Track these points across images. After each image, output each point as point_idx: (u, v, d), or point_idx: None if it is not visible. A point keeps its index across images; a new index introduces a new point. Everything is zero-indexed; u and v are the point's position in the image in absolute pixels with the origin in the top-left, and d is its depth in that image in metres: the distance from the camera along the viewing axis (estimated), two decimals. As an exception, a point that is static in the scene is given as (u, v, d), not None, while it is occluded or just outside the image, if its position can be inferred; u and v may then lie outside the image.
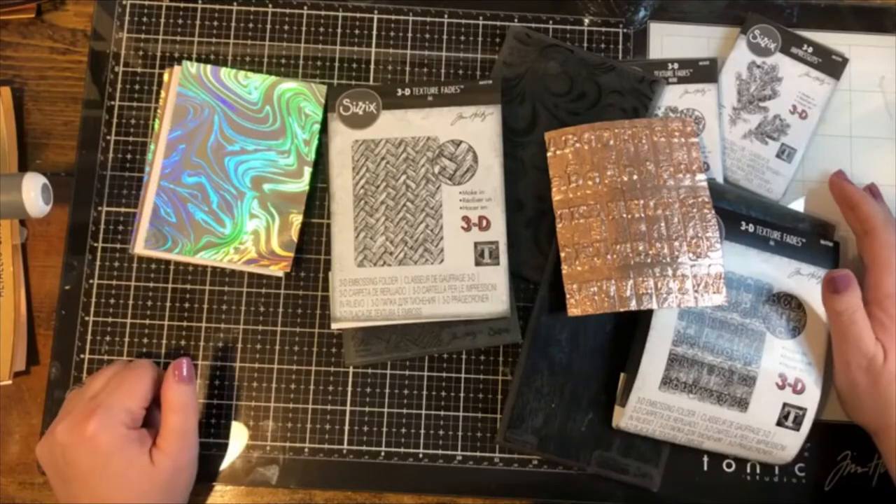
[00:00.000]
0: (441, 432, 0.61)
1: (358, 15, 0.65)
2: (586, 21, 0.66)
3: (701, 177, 0.59)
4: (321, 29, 0.65)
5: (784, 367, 0.58)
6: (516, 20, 0.65)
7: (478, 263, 0.60)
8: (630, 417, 0.57)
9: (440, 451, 0.60)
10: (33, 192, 0.55)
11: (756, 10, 0.66)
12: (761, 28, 0.64)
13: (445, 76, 0.65)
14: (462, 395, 0.61)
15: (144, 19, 0.65)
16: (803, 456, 0.60)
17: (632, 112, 0.62)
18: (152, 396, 0.56)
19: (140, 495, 0.53)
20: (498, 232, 0.60)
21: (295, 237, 0.61)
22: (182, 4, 0.65)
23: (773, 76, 0.64)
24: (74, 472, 0.52)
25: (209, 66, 0.63)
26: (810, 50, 0.64)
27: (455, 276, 0.60)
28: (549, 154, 0.60)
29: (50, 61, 0.65)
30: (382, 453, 0.60)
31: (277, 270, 0.61)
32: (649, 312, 0.58)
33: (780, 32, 0.65)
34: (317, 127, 0.63)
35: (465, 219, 0.60)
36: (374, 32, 0.65)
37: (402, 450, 0.60)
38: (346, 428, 0.61)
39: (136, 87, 0.64)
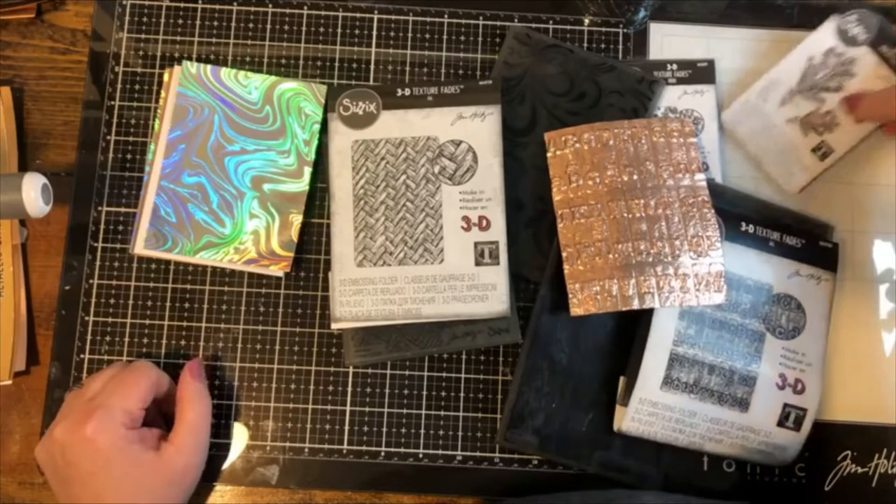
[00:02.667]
0: (441, 432, 0.61)
1: (358, 15, 0.65)
2: (586, 21, 0.66)
3: (700, 176, 0.59)
4: (321, 29, 0.65)
5: (784, 367, 0.58)
6: (516, 20, 0.66)
7: (478, 263, 0.60)
8: (632, 419, 0.57)
9: (440, 451, 0.60)
10: (33, 192, 0.55)
11: (755, 9, 0.66)
12: (861, 14, 0.59)
13: (445, 76, 0.65)
14: (462, 395, 0.61)
15: (144, 19, 0.65)
16: (803, 456, 0.60)
17: (631, 112, 0.62)
18: (151, 398, 0.56)
19: (146, 493, 0.52)
20: (498, 232, 0.60)
21: (295, 237, 0.61)
22: (182, 4, 0.65)
23: (847, 70, 0.59)
24: (74, 473, 0.52)
25: (209, 66, 0.63)
26: None
27: (455, 276, 0.60)
28: (549, 154, 0.60)
29: (50, 61, 0.65)
30: (382, 453, 0.60)
31: (277, 270, 0.61)
32: (650, 313, 0.58)
33: (881, 26, 0.60)
34: (317, 127, 0.63)
35: (465, 219, 0.60)
36: (374, 32, 0.65)
37: (402, 450, 0.60)
38: (346, 428, 0.60)
39: (136, 87, 0.64)
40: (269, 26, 0.65)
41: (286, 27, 0.65)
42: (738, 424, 0.57)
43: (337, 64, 0.65)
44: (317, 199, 0.63)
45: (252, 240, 0.61)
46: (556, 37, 0.65)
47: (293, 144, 0.62)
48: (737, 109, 0.62)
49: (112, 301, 0.61)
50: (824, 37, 0.61)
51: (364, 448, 0.60)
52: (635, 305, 0.57)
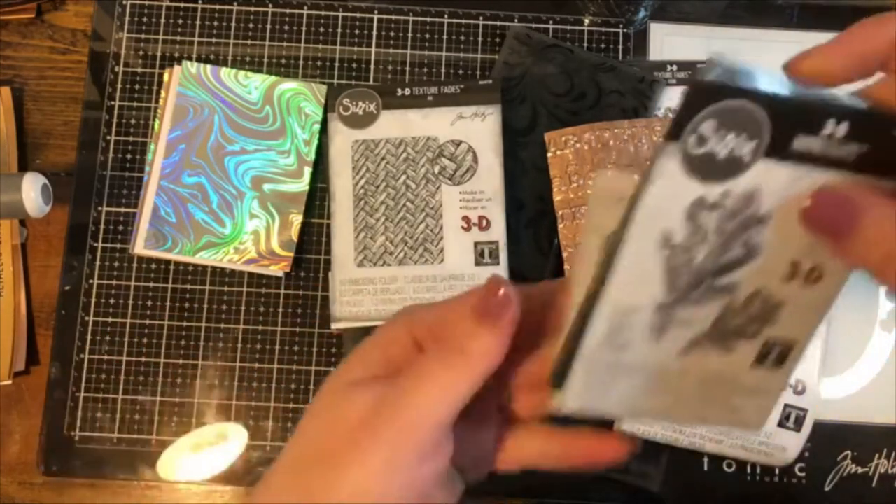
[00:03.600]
0: (441, 432, 0.60)
1: (358, 15, 0.65)
2: (586, 21, 0.66)
3: (701, 177, 0.59)
4: (321, 29, 0.65)
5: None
6: (516, 20, 0.65)
7: (478, 263, 0.60)
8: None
9: (440, 452, 0.60)
10: (33, 192, 0.55)
11: (756, 9, 0.66)
12: (719, 118, 0.25)
13: (445, 76, 0.65)
14: (462, 395, 0.61)
15: (144, 19, 0.65)
16: (803, 456, 0.60)
17: (632, 112, 0.62)
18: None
19: None
20: (498, 232, 0.60)
21: (295, 237, 0.61)
22: (182, 4, 0.65)
23: (753, 214, 0.28)
24: None
25: (209, 66, 0.63)
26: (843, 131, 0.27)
27: (455, 276, 0.60)
28: (549, 154, 0.60)
29: (50, 61, 0.65)
30: (382, 453, 0.60)
31: (277, 270, 0.61)
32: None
33: (767, 115, 0.26)
34: (317, 127, 0.63)
35: (465, 219, 0.60)
36: (374, 32, 0.65)
37: (402, 450, 0.60)
38: (346, 428, 0.60)
39: (136, 87, 0.64)
40: (269, 26, 0.65)
41: (286, 27, 0.65)
42: (738, 424, 0.57)
43: (337, 64, 0.65)
44: (317, 199, 0.63)
45: (252, 240, 0.61)
46: (557, 37, 0.65)
47: (293, 144, 0.62)
48: (576, 391, 0.30)
49: (112, 301, 0.61)
50: (669, 188, 0.26)
51: (364, 448, 0.60)
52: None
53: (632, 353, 0.30)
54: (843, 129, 0.27)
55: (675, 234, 0.28)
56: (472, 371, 0.29)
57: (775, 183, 0.28)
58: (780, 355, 0.32)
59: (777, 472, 0.60)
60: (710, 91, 0.26)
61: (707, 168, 0.27)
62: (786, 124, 0.27)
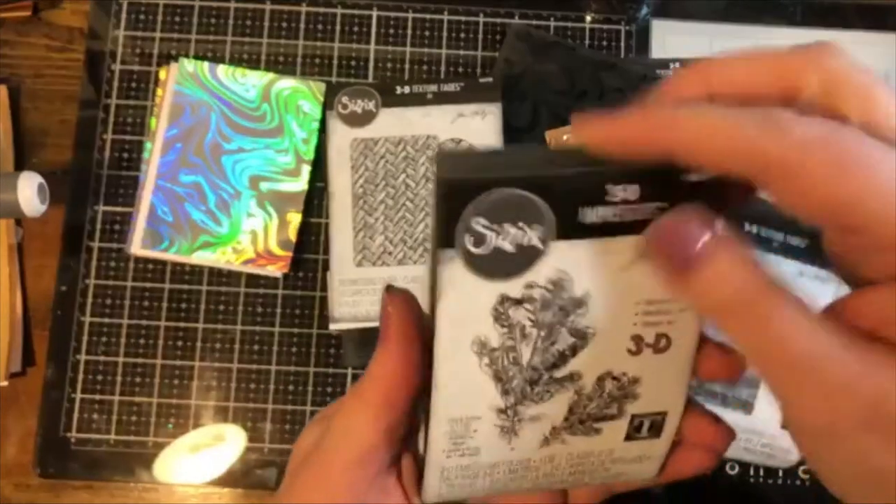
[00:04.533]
0: (441, 434, 0.60)
1: (357, 12, 0.65)
2: (588, 18, 0.65)
3: (704, 175, 0.58)
4: (319, 26, 0.64)
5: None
6: (517, 18, 0.65)
7: (478, 263, 0.59)
8: None
9: (440, 453, 0.60)
10: (29, 192, 0.54)
11: (758, 7, 0.65)
12: (487, 214, 0.24)
13: (445, 74, 0.64)
14: (462, 396, 0.60)
15: (141, 17, 0.64)
16: (807, 458, 0.60)
17: (634, 110, 0.62)
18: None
19: None
20: (498, 231, 0.60)
21: (293, 237, 0.61)
22: (179, 2, 0.64)
23: (570, 299, 0.26)
24: None
25: (206, 64, 0.62)
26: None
27: (455, 276, 0.59)
28: (550, 153, 0.60)
29: (46, 59, 0.64)
30: (382, 455, 0.60)
31: (275, 271, 0.61)
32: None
33: (536, 196, 0.24)
34: (315, 125, 0.62)
35: (466, 218, 0.60)
36: (374, 30, 0.65)
37: (401, 452, 0.60)
38: (345, 430, 0.60)
39: (133, 85, 0.63)
40: (266, 23, 0.64)
41: (284, 24, 0.64)
42: (741, 426, 0.57)
43: (335, 61, 0.64)
44: (315, 199, 0.62)
45: (250, 239, 0.61)
46: (558, 34, 0.65)
47: (291, 143, 0.62)
48: (436, 491, 0.31)
49: (108, 301, 0.61)
50: (462, 296, 0.26)
51: (363, 450, 0.60)
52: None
53: (486, 455, 0.29)
54: (632, 192, 0.23)
55: (490, 339, 0.26)
56: (376, 395, 0.30)
57: (582, 261, 0.25)
58: (653, 426, 0.30)
59: (780, 473, 0.60)
60: (461, 189, 0.22)
61: (497, 265, 0.24)
62: (563, 200, 0.23)
